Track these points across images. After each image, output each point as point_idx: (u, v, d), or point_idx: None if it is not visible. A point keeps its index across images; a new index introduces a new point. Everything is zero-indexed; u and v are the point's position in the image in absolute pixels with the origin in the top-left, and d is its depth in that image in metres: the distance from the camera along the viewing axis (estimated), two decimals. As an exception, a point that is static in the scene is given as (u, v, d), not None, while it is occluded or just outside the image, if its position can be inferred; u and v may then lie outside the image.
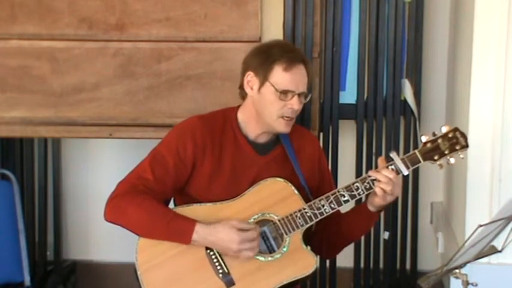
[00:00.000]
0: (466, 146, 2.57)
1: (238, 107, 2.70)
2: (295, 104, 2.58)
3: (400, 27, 3.57)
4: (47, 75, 3.33)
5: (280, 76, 2.57)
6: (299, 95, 2.59)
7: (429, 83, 3.87)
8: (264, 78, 2.59)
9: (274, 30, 3.34)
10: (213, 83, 3.30)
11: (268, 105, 2.59)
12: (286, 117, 2.60)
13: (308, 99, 2.65)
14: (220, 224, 2.54)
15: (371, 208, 2.62)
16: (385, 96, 3.62)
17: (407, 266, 3.81)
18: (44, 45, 3.33)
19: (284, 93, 2.57)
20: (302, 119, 3.42)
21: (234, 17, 3.28)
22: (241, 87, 2.66)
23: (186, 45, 3.31)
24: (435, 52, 3.90)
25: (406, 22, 3.59)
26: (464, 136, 2.57)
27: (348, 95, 3.65)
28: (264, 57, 2.59)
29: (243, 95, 2.68)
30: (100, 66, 3.33)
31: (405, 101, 3.64)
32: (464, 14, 3.47)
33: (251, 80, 2.62)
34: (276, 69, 2.57)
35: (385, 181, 2.52)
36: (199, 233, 2.52)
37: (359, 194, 2.57)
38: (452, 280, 2.48)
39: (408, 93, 3.62)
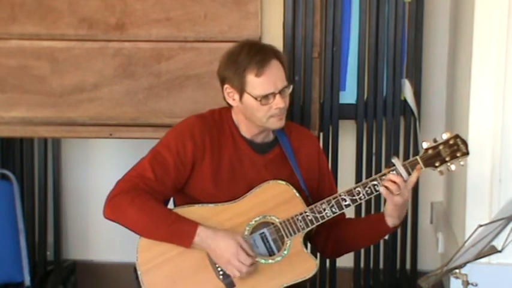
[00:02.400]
0: (467, 153, 2.57)
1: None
2: (279, 103, 2.55)
3: (400, 27, 3.56)
4: (47, 75, 3.33)
5: (255, 83, 2.54)
6: (280, 92, 2.57)
7: (429, 83, 3.87)
8: (241, 89, 2.57)
9: (274, 31, 3.34)
10: (213, 83, 3.27)
11: (255, 112, 2.58)
12: (276, 116, 2.59)
13: (291, 89, 2.62)
14: (225, 232, 2.54)
15: (389, 221, 2.60)
16: (385, 96, 3.62)
17: (408, 266, 3.81)
18: (44, 45, 3.32)
19: (265, 98, 2.55)
20: (302, 119, 3.42)
21: (234, 17, 3.28)
22: (225, 98, 2.65)
23: (186, 45, 3.31)
24: (435, 52, 3.90)
25: (406, 22, 3.59)
26: (465, 143, 2.58)
27: (348, 95, 3.65)
28: (234, 68, 2.57)
29: (229, 104, 2.67)
30: (100, 66, 3.32)
31: (405, 101, 3.64)
32: (464, 14, 3.47)
33: (230, 92, 2.61)
34: (248, 78, 2.55)
35: (393, 179, 2.52)
36: (201, 236, 2.52)
37: (360, 199, 2.57)
38: (452, 280, 2.48)
39: (408, 93, 3.62)
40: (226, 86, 2.61)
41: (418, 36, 3.61)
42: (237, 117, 2.67)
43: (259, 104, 2.55)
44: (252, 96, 2.55)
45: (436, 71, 3.92)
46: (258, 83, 2.54)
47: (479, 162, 3.13)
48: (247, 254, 2.52)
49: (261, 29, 3.30)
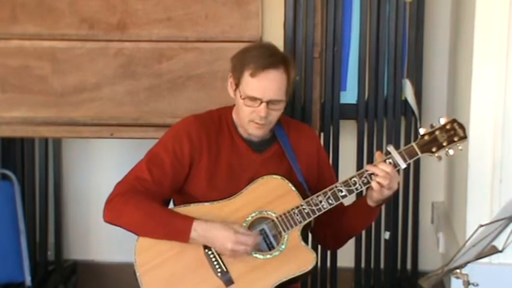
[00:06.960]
0: (465, 137, 2.57)
1: (234, 106, 2.71)
2: (261, 112, 2.55)
3: (401, 27, 3.57)
4: (48, 75, 3.33)
5: (247, 82, 2.56)
6: (268, 102, 2.56)
7: (430, 83, 3.87)
8: (237, 82, 2.60)
9: (275, 31, 3.34)
10: (214, 83, 3.30)
11: (239, 108, 2.61)
12: (256, 122, 2.59)
13: (282, 106, 2.60)
14: (220, 222, 2.54)
15: (370, 203, 2.61)
16: (386, 96, 3.62)
17: (408, 266, 3.81)
18: (45, 45, 3.33)
19: (250, 99, 2.56)
20: (303, 119, 3.42)
21: (235, 17, 3.28)
22: None
23: (187, 45, 3.31)
24: (436, 52, 3.90)
25: (407, 22, 3.59)
26: (463, 127, 2.57)
27: (349, 95, 3.65)
28: (239, 61, 2.60)
29: None
30: (101, 66, 3.33)
31: (406, 101, 3.64)
32: (465, 14, 3.47)
33: (231, 81, 2.64)
34: (244, 75, 2.57)
35: (382, 175, 2.51)
36: (198, 230, 2.53)
37: (357, 189, 2.57)
38: (453, 280, 2.48)
39: (409, 93, 3.62)
40: (230, 74, 2.64)
41: (419, 36, 3.61)
42: (237, 115, 2.68)
43: (243, 102, 2.57)
44: (240, 93, 2.57)
45: (437, 71, 3.92)
46: (249, 82, 2.56)
47: (480, 163, 3.14)
48: (246, 235, 2.52)
49: (262, 29, 3.30)
